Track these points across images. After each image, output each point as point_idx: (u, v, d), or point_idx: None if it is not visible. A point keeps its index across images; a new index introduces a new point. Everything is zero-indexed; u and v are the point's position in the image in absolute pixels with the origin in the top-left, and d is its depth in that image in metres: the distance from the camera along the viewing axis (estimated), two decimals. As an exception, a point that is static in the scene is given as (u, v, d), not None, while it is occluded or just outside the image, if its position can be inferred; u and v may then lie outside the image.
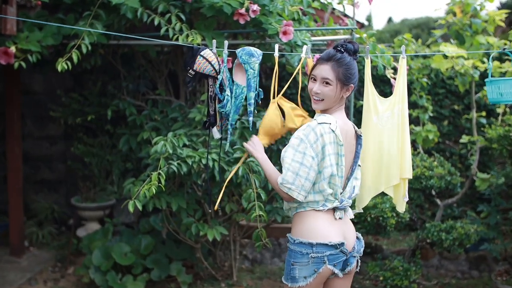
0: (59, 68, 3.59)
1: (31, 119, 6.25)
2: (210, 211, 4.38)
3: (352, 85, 2.58)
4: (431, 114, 5.36)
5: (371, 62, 3.21)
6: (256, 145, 2.82)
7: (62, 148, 6.31)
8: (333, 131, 2.49)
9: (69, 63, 3.64)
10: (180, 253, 4.78)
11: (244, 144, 2.87)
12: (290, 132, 2.95)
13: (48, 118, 6.12)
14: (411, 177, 2.98)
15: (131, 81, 5.12)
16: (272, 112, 2.90)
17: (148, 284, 4.60)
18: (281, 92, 2.93)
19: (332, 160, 2.49)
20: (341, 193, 2.57)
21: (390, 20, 22.99)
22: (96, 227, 5.50)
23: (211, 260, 4.99)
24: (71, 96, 5.72)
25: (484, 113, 5.35)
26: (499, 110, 5.16)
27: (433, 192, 5.08)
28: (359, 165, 2.70)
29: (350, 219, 2.70)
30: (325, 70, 2.54)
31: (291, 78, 2.96)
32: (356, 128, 2.70)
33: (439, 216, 4.99)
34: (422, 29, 16.84)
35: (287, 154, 2.49)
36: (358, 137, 2.68)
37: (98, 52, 4.71)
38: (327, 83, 2.54)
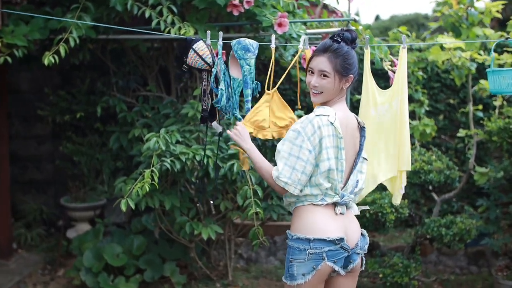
0: (46, 62, 3.47)
1: (18, 119, 6.11)
2: (202, 209, 4.28)
3: (351, 75, 2.48)
4: (427, 108, 5.29)
5: (368, 55, 3.11)
6: (242, 134, 2.63)
7: (50, 147, 6.18)
8: (331, 123, 2.39)
9: (56, 57, 3.52)
10: (174, 253, 4.68)
11: (229, 131, 2.67)
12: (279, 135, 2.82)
13: (35, 117, 5.98)
14: (409, 169, 2.92)
15: (121, 77, 5.00)
16: (262, 102, 2.78)
17: (141, 285, 4.50)
18: (277, 85, 2.81)
19: (330, 153, 2.39)
20: (342, 188, 2.48)
21: (377, 17, 22.99)
22: (87, 228, 5.38)
23: (206, 259, 4.89)
24: (58, 94, 5.60)
25: (480, 107, 5.28)
26: (496, 103, 5.09)
27: (430, 187, 5.01)
28: (365, 159, 2.61)
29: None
30: (322, 62, 2.44)
31: (286, 71, 2.85)
32: (359, 119, 2.60)
33: (436, 212, 4.92)
34: (411, 25, 16.81)
35: (284, 147, 2.40)
36: (362, 129, 2.58)
37: (87, 47, 4.59)
38: (324, 75, 2.44)
